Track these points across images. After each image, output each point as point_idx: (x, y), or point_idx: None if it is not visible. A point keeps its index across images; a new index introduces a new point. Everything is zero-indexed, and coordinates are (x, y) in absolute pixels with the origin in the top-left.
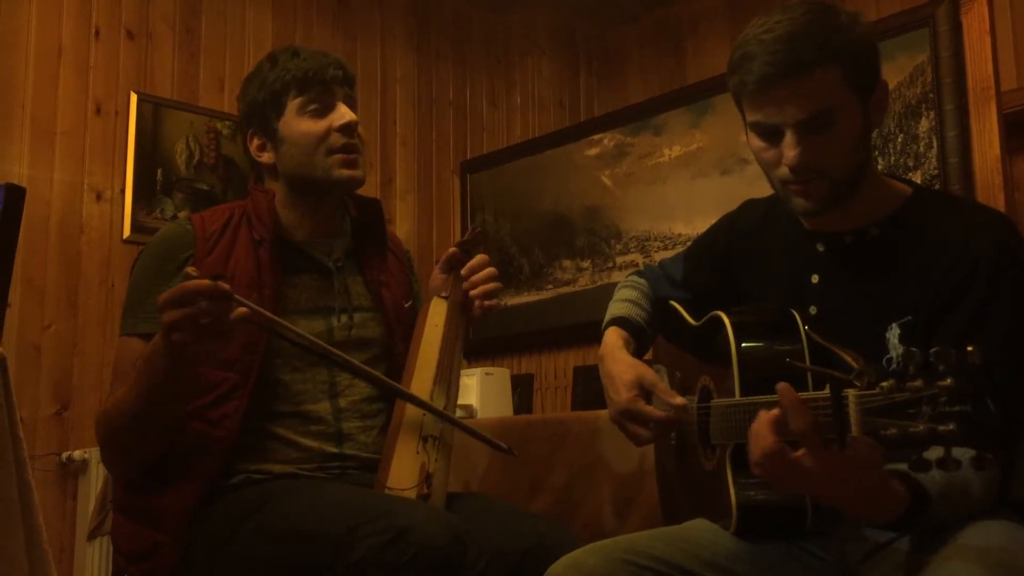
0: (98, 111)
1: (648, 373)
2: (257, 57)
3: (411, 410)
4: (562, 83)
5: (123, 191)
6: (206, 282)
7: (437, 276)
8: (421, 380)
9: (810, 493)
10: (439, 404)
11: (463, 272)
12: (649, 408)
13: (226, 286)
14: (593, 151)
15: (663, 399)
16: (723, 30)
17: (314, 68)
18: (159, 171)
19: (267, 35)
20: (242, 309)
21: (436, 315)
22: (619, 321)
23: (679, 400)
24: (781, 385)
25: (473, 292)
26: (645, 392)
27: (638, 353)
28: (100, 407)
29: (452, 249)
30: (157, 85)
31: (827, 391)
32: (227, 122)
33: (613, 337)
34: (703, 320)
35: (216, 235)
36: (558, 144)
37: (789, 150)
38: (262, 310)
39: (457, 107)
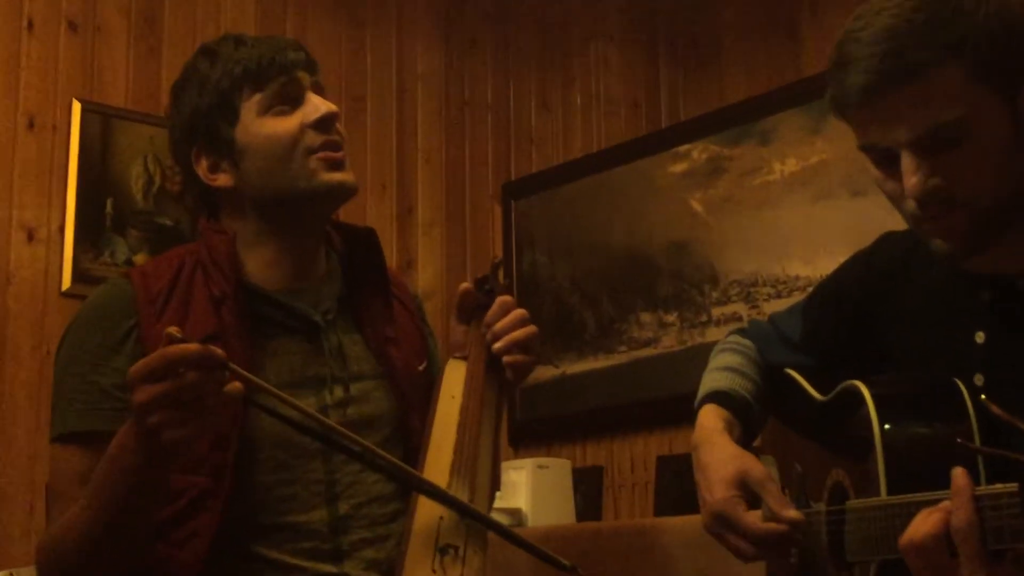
0: (31, 125)
1: (755, 468)
2: None
3: (424, 512)
4: (637, 77)
5: (62, 229)
6: (196, 347)
7: (456, 330)
8: (434, 470)
9: None
10: None
11: (486, 320)
12: (749, 518)
13: (221, 353)
14: (679, 167)
15: (773, 509)
16: (852, 3)
17: (269, 55)
18: (109, 202)
19: (249, 22)
20: (236, 384)
21: (452, 382)
22: (718, 396)
23: (792, 514)
24: (957, 470)
25: (496, 346)
26: (749, 493)
27: (745, 439)
28: (43, 534)
29: (464, 285)
30: (107, 90)
31: (1013, 485)
32: None
33: (710, 418)
34: (832, 393)
35: (164, 294)
36: (632, 158)
37: (908, 177)
38: (266, 385)
39: (498, 111)
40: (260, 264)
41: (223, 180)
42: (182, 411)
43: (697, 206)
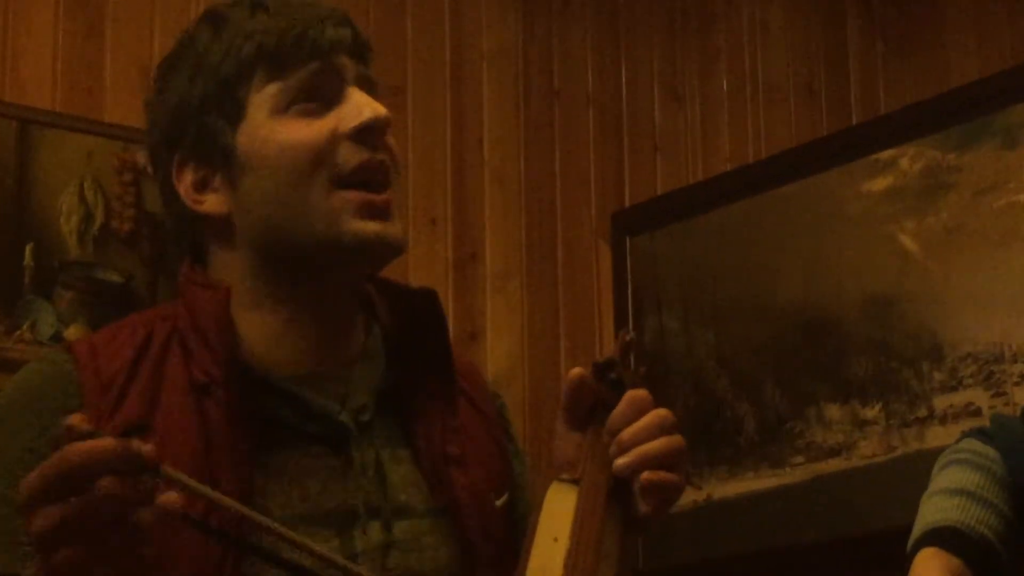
0: None
1: None
2: None
3: None
4: (812, 49)
5: None
6: (109, 442)
7: (564, 439)
8: None
9: None
10: None
11: (608, 426)
12: None
13: (148, 448)
14: (880, 183)
15: None
16: None
17: (298, 28)
18: (28, 249)
19: None
20: (172, 496)
21: (555, 517)
22: (945, 535)
23: None
24: None
25: (620, 462)
26: None
27: None
28: None
29: (576, 372)
30: (25, 85)
31: None
32: None
33: (933, 569)
34: None
35: (122, 378)
36: (808, 172)
37: None
38: (222, 496)
39: (603, 106)
40: (263, 336)
41: (212, 204)
42: (100, 542)
43: (909, 242)
